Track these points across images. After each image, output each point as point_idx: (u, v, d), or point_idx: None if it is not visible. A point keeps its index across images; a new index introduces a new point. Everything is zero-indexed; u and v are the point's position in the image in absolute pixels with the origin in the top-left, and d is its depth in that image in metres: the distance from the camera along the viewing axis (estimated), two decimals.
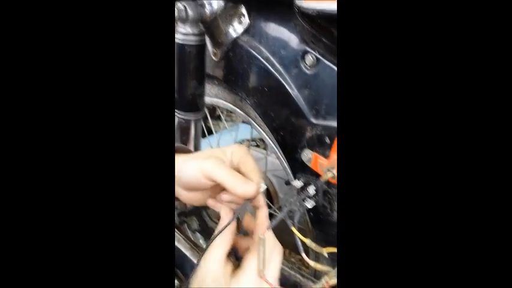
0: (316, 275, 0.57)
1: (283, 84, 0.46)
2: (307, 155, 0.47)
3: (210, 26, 0.52)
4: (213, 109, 1.20)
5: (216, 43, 0.52)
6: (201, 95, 0.54)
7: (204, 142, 1.09)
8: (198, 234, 0.80)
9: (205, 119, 0.94)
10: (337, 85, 0.29)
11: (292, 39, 0.45)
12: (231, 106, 0.61)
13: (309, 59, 0.43)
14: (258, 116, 0.54)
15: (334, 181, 0.45)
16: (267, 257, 0.38)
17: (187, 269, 0.66)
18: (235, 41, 0.50)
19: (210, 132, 1.12)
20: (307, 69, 0.44)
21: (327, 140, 0.45)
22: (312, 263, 0.41)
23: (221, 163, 0.38)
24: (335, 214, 0.47)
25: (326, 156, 0.45)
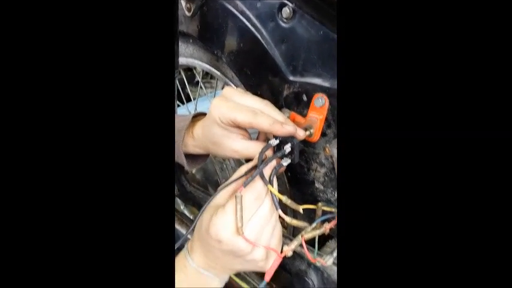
0: (294, 234, 0.58)
1: (259, 40, 0.44)
2: (285, 114, 0.46)
3: None
4: (191, 75, 1.16)
5: None
6: (175, 54, 0.51)
7: (182, 109, 1.07)
8: (178, 200, 0.80)
9: (183, 84, 0.91)
10: (337, 53, 0.28)
11: None
12: (207, 66, 0.59)
13: (286, 11, 0.41)
14: (234, 75, 0.52)
15: (311, 139, 0.44)
16: (249, 213, 0.38)
17: None
18: None
19: (189, 100, 1.10)
20: (284, 22, 0.42)
21: (304, 98, 0.44)
22: (287, 218, 0.41)
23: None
24: (311, 173, 0.47)
25: (303, 115, 0.45)
